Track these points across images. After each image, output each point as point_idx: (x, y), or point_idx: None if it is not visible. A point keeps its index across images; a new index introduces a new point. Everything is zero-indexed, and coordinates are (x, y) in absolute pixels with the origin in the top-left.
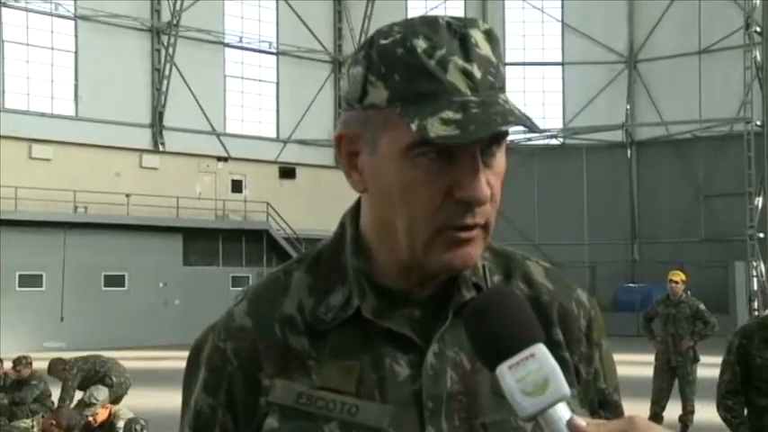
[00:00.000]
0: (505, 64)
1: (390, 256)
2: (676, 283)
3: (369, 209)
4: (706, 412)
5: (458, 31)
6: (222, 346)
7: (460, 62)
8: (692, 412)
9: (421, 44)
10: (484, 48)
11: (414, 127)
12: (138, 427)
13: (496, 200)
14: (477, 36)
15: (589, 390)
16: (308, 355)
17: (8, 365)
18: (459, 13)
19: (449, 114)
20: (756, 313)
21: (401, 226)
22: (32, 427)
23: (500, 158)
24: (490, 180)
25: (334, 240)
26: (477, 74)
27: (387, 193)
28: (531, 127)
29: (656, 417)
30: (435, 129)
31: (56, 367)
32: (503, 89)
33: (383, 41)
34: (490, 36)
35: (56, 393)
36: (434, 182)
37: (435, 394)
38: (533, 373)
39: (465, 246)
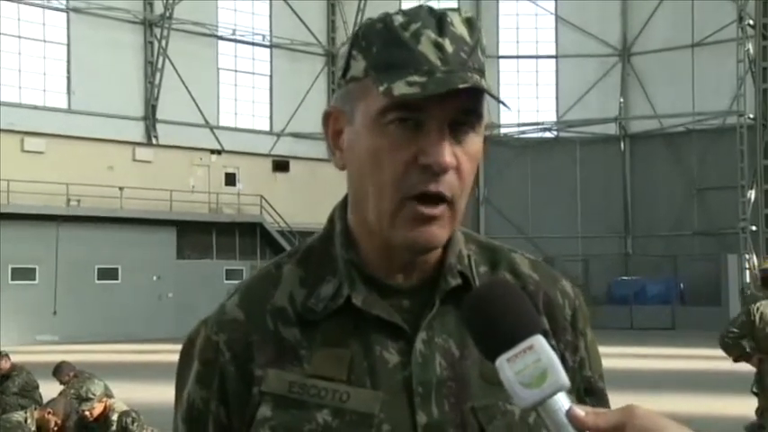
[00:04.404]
0: (500, 57)
1: (370, 242)
2: None
3: (349, 190)
4: (688, 404)
5: (437, 13)
6: (215, 339)
7: (433, 35)
8: None
9: (398, 19)
10: (460, 28)
11: (381, 89)
12: (129, 420)
13: (466, 179)
14: (454, 18)
15: (576, 378)
16: (299, 345)
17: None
18: (453, 6)
19: (415, 78)
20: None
21: (370, 197)
22: (26, 419)
23: (474, 140)
24: (459, 156)
25: (324, 234)
26: (449, 48)
27: (359, 164)
28: (497, 99)
29: None
30: (399, 89)
31: (62, 371)
32: (478, 72)
33: (369, 21)
34: (470, 22)
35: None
36: (401, 149)
37: (425, 380)
38: (531, 365)
39: (429, 224)
